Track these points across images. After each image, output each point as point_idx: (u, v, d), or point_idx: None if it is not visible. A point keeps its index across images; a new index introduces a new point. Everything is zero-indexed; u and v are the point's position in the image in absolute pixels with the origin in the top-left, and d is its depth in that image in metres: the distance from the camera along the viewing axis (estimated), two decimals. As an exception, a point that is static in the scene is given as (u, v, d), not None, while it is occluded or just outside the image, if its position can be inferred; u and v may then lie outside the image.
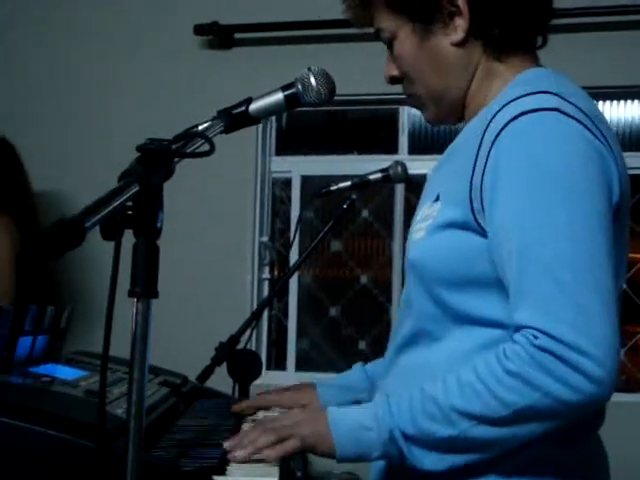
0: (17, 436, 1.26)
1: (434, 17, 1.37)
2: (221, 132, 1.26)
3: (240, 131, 1.31)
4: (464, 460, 1.23)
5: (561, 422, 1.20)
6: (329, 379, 1.75)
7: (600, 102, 3.59)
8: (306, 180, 3.91)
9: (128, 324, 0.99)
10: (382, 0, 1.40)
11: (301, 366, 3.87)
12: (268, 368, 3.83)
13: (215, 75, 3.78)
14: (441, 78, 1.41)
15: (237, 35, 3.80)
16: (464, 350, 1.29)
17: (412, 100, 1.48)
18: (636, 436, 3.26)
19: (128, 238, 0.99)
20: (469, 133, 1.37)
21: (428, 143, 3.83)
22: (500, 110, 1.28)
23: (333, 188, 2.37)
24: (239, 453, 1.29)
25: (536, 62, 1.42)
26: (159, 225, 1.01)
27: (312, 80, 1.31)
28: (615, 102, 3.70)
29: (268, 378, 3.34)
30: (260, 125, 3.75)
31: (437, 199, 1.35)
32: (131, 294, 1.00)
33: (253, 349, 3.34)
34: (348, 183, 2.34)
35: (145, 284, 1.00)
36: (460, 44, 1.38)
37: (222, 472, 1.28)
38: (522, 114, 1.24)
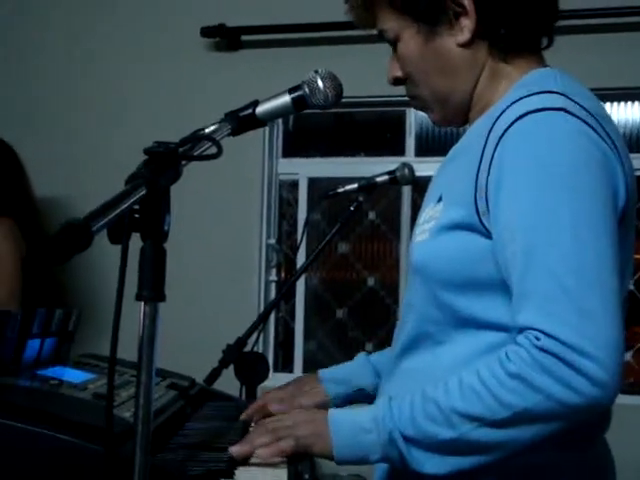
0: (24, 439, 1.26)
1: (439, 18, 1.36)
2: (228, 135, 1.26)
3: (247, 133, 1.31)
4: (465, 464, 1.21)
5: (564, 425, 1.18)
6: (333, 371, 1.69)
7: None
8: (313, 182, 3.91)
9: (135, 327, 0.99)
10: (385, 1, 1.39)
11: (308, 368, 3.85)
12: (275, 370, 3.83)
13: (222, 77, 3.78)
14: (447, 79, 1.39)
15: (244, 37, 3.79)
16: (468, 354, 1.28)
17: (416, 102, 1.46)
18: (644, 439, 3.24)
19: (135, 241, 0.99)
20: (474, 134, 1.36)
21: (435, 145, 3.82)
22: (505, 110, 1.27)
23: (340, 190, 2.37)
24: (235, 448, 1.30)
25: (542, 63, 1.41)
26: (166, 228, 1.01)
27: (319, 82, 1.31)
28: (616, 104, 3.69)
29: (275, 380, 3.32)
30: (267, 127, 3.75)
31: (439, 200, 1.34)
32: (138, 297, 1.00)
33: (260, 351, 3.33)
34: (355, 185, 2.35)
35: (152, 287, 1.00)
36: (466, 45, 1.36)
37: (230, 476, 1.27)
38: (528, 113, 1.23)
